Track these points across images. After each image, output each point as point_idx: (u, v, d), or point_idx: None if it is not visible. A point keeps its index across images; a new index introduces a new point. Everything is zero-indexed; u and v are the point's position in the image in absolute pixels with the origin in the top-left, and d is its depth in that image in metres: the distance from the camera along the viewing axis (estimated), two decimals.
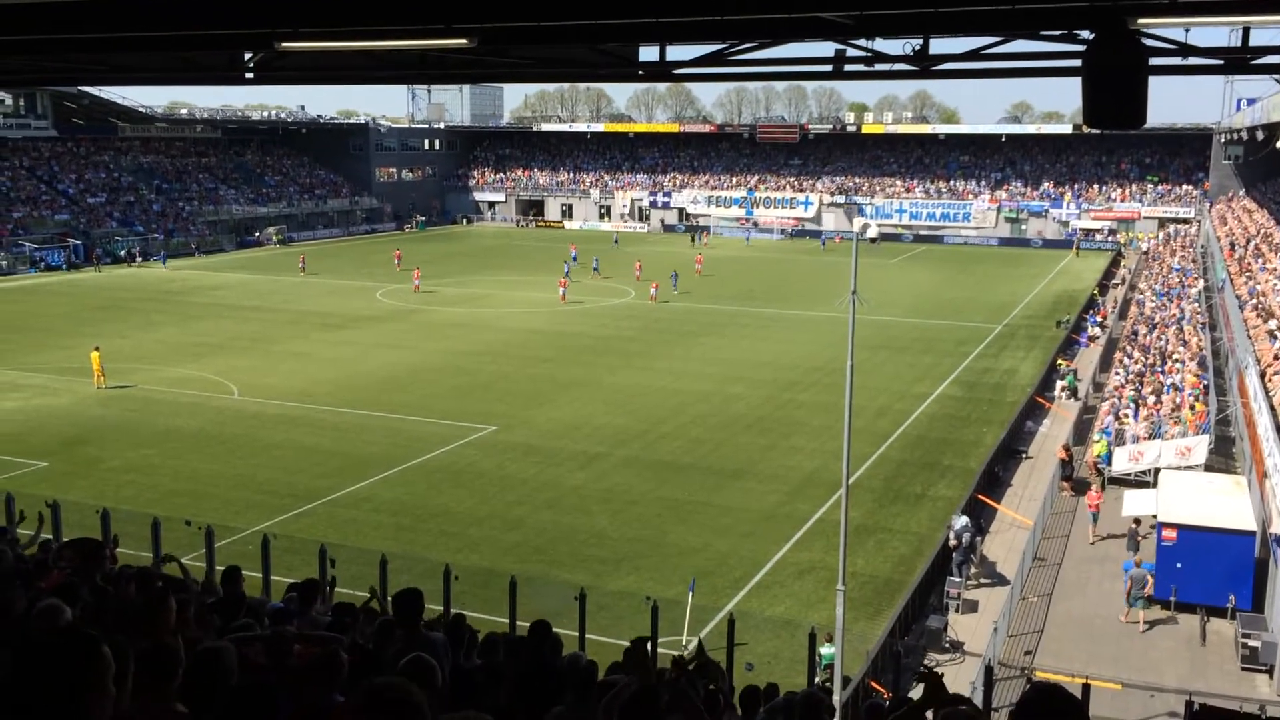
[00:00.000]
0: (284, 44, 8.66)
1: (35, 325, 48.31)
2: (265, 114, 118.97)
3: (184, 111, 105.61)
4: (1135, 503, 23.48)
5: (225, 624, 8.33)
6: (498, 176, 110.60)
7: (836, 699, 15.04)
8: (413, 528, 23.79)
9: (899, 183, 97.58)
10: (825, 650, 17.57)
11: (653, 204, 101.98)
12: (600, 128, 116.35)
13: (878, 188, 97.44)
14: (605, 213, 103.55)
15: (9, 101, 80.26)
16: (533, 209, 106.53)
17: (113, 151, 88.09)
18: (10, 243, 69.99)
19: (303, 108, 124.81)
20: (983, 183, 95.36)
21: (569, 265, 64.94)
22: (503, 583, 17.58)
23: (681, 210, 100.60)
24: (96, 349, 36.73)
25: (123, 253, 72.26)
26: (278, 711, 3.73)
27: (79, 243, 72.60)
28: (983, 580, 22.06)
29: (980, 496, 26.07)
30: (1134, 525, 22.79)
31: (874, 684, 16.92)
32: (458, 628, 11.93)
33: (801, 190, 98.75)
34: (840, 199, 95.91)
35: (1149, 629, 19.77)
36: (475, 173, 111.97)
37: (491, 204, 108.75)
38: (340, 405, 34.12)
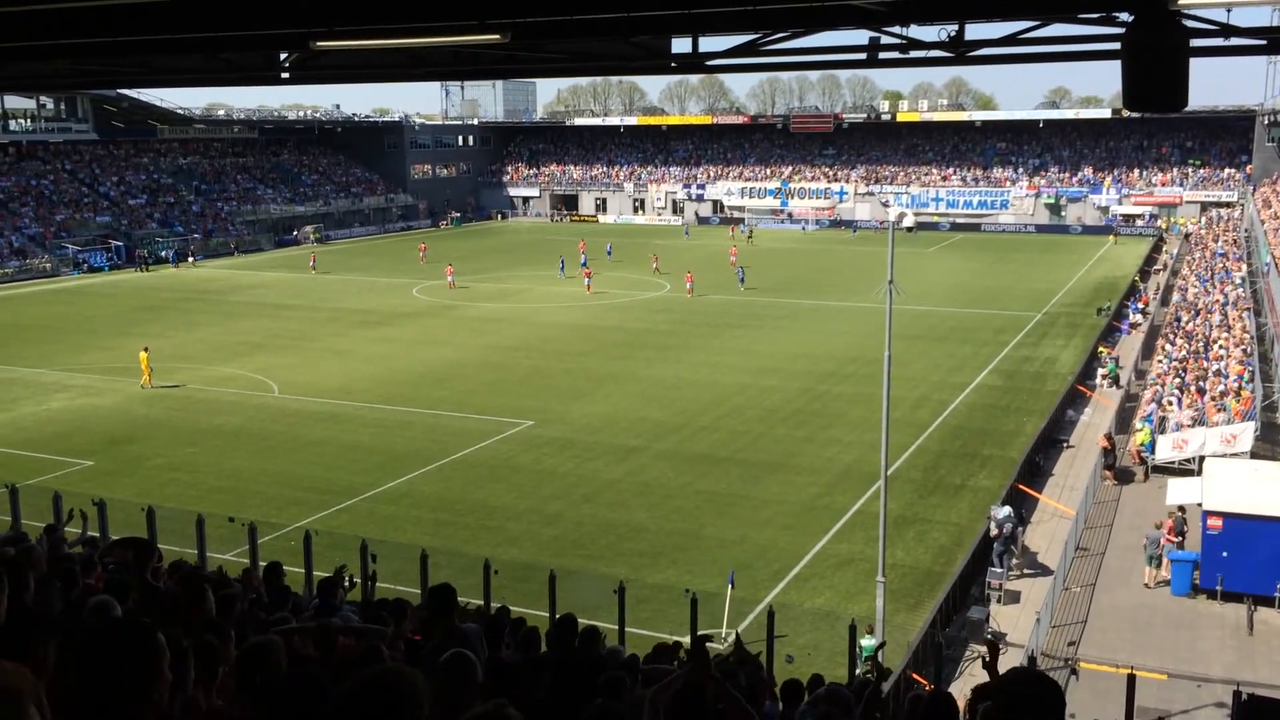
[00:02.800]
0: (319, 43, 8.73)
1: (79, 326, 49.07)
2: (301, 114, 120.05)
3: (221, 113, 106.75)
4: (1180, 491, 23.17)
5: (269, 618, 8.44)
6: (531, 172, 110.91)
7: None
8: (452, 522, 23.94)
9: (935, 171, 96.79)
10: (866, 642, 17.49)
11: (687, 197, 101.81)
12: (633, 121, 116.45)
13: (913, 176, 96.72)
14: (639, 206, 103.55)
15: (50, 105, 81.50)
16: (566, 203, 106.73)
17: (152, 153, 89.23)
18: (54, 245, 71.11)
19: (338, 106, 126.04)
20: (1020, 169, 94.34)
21: (579, 259, 64.98)
22: (542, 576, 17.66)
23: (716, 203, 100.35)
24: (145, 349, 37.20)
25: (164, 254, 73.14)
26: (326, 702, 3.77)
27: (120, 244, 73.64)
28: (1025, 571, 21.88)
29: (1021, 486, 25.84)
30: (1178, 512, 22.48)
31: (915, 676, 16.83)
32: (498, 621, 12.02)
33: (836, 180, 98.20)
34: (875, 188, 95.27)
35: (1193, 618, 19.53)
36: (509, 168, 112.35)
37: (526, 199, 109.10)
38: (379, 402, 34.39)
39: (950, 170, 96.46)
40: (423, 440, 30.15)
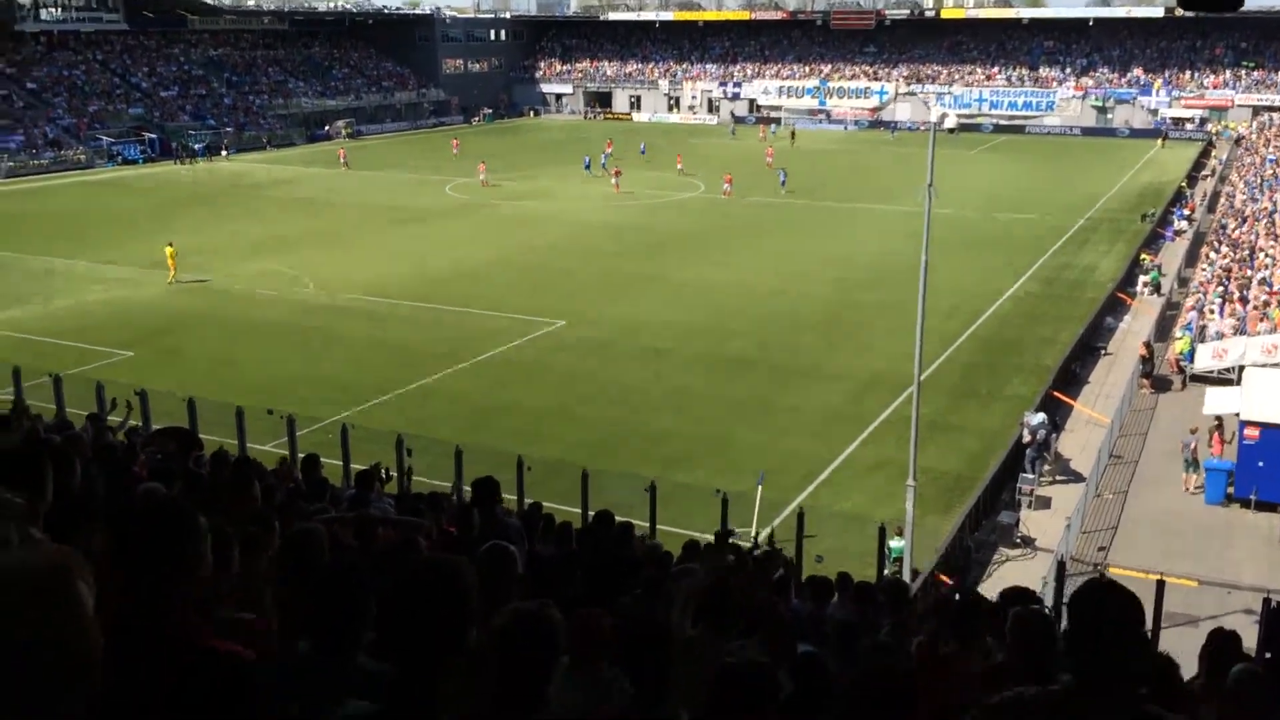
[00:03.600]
0: None
1: (115, 219, 49.29)
2: (332, 4, 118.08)
3: (251, 3, 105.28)
4: (1218, 401, 22.94)
5: (308, 508, 8.56)
6: (565, 68, 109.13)
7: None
8: (484, 421, 24.14)
9: (979, 70, 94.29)
10: (894, 544, 17.64)
11: (723, 95, 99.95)
12: (669, 16, 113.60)
13: (957, 76, 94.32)
14: (674, 104, 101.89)
15: None
16: (600, 101, 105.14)
17: (183, 44, 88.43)
18: (88, 137, 71.10)
19: None
20: (1068, 69, 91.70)
21: (599, 158, 64.00)
22: (574, 475, 17.84)
23: (752, 102, 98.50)
24: (170, 245, 37.32)
25: (197, 147, 72.93)
26: (368, 591, 3.81)
27: (155, 136, 73.47)
28: (1057, 477, 21.88)
29: (1056, 394, 25.69)
30: (1216, 422, 22.30)
31: (942, 577, 16.98)
32: (534, 515, 12.18)
33: (877, 80, 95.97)
34: (917, 88, 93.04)
35: (1227, 527, 19.51)
36: (542, 64, 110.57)
37: (559, 96, 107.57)
38: (412, 299, 34.48)
39: (995, 70, 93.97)
40: (455, 338, 30.27)
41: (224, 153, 73.64)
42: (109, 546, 3.17)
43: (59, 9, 79.71)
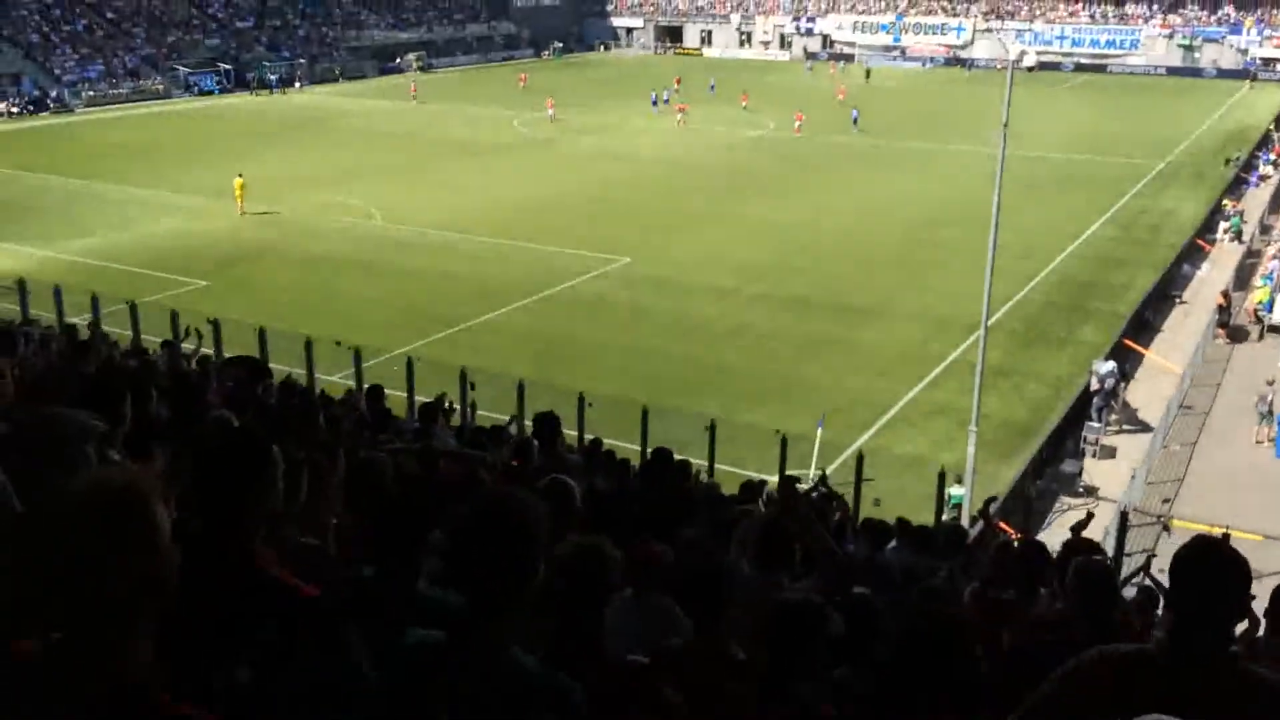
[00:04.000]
0: None
1: (191, 149, 50.05)
2: None
3: None
4: None
5: (373, 438, 8.78)
6: (636, 2, 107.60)
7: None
8: (547, 355, 24.34)
9: (1062, 6, 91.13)
10: (954, 490, 17.55)
11: (796, 30, 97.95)
12: None
13: (1038, 12, 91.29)
14: (746, 40, 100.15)
15: None
16: (671, 36, 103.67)
17: None
18: (166, 67, 72.02)
19: None
20: (1155, 6, 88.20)
21: (663, 95, 63.39)
22: (635, 412, 17.95)
23: (825, 37, 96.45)
24: (240, 176, 37.79)
25: (271, 78, 73.47)
26: (430, 519, 3.95)
27: (229, 68, 74.19)
28: (1124, 427, 21.54)
29: (1128, 342, 25.17)
30: None
31: (1003, 525, 16.88)
32: (594, 451, 12.34)
33: (954, 15, 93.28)
34: (995, 25, 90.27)
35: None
36: None
37: (629, 30, 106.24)
38: (479, 233, 34.70)
39: (1078, 5, 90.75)
40: (521, 273, 30.45)
41: (297, 84, 74.19)
42: (184, 470, 3.32)
43: None
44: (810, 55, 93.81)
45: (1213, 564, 3.05)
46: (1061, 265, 31.70)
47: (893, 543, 10.43)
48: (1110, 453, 20.42)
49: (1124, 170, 45.11)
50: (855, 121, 55.10)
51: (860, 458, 16.86)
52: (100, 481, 1.97)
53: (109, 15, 75.34)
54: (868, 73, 78.93)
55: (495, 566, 2.82)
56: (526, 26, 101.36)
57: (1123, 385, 22.17)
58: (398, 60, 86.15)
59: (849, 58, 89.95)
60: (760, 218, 36.96)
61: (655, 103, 62.06)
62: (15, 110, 61.58)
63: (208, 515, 3.19)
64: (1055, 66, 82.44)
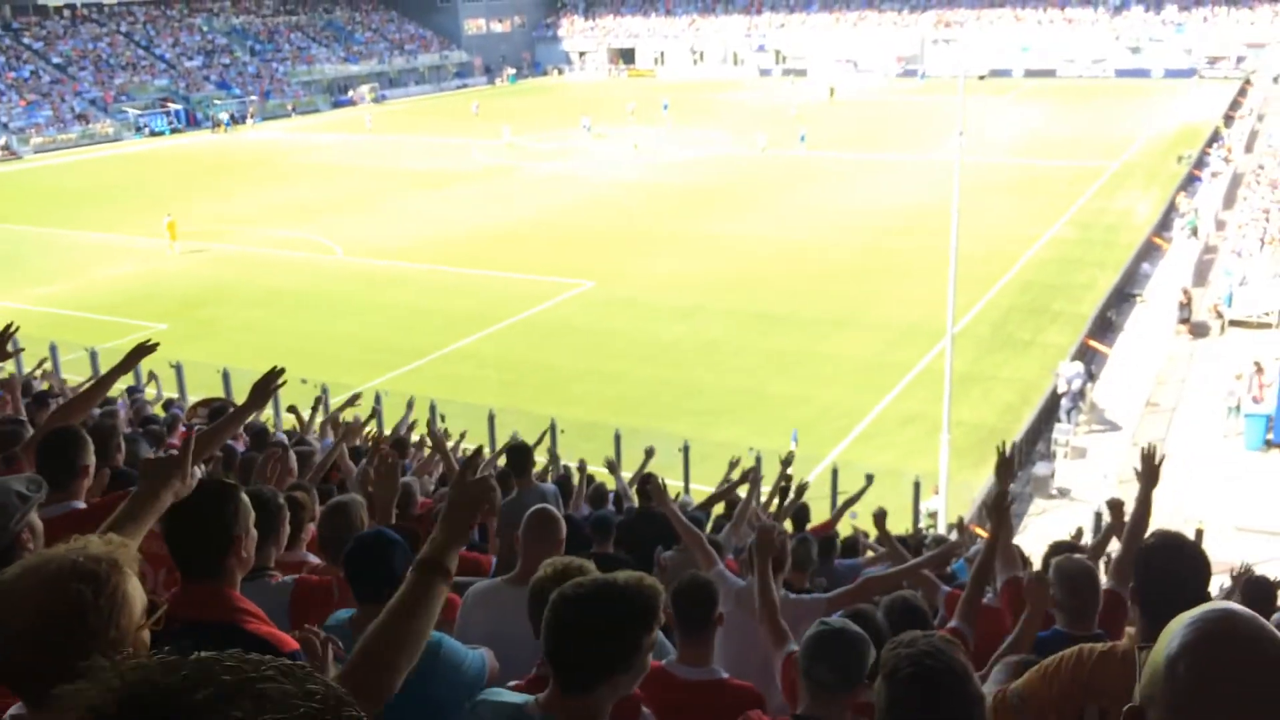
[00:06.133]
0: None
1: (144, 191, 49.51)
2: None
3: None
4: (1256, 345, 22.61)
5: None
6: (588, 24, 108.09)
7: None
8: (516, 382, 24.21)
9: (1009, 12, 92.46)
10: (928, 504, 17.55)
11: (749, 47, 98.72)
12: None
13: (987, 20, 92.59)
14: (699, 58, 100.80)
15: None
16: (624, 57, 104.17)
17: (205, 13, 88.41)
18: (115, 109, 71.38)
19: None
20: (1100, 8, 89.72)
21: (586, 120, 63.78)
22: (607, 435, 17.85)
23: (778, 53, 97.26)
24: (169, 215, 37.47)
25: (221, 116, 73.05)
26: (404, 558, 3.85)
27: (180, 108, 73.65)
28: (1093, 427, 21.69)
29: (1091, 342, 25.42)
30: (1255, 368, 22.00)
31: (975, 528, 16.91)
32: (567, 480, 12.23)
33: (905, 26, 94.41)
34: (945, 34, 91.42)
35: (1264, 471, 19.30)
36: (564, 21, 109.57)
37: (582, 53, 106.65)
38: (441, 263, 34.53)
39: (1025, 11, 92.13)
40: (485, 301, 30.31)
41: (249, 121, 73.76)
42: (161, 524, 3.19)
43: None
44: (763, 71, 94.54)
45: (1174, 558, 3.17)
46: (1023, 269, 31.99)
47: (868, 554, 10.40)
48: (1081, 453, 20.55)
49: (1079, 172, 45.70)
50: (803, 139, 55.26)
51: (835, 472, 16.85)
52: (54, 559, 1.84)
53: (54, 60, 74.62)
54: (831, 91, 78.28)
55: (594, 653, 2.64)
56: (478, 53, 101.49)
57: (1089, 385, 22.35)
58: (350, 93, 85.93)
59: (801, 72, 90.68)
60: (721, 235, 37.05)
61: (588, 128, 62.25)
62: None
63: (183, 569, 3.08)
64: (1005, 73, 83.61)
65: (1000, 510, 5.15)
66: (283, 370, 4.58)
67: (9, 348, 6.19)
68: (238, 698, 1.12)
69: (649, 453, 13.00)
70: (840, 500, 16.34)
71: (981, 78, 26.37)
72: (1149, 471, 5.37)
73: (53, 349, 20.87)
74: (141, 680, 1.14)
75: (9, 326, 6.30)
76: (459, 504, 2.74)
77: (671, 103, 70.90)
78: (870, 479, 12.97)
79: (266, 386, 4.40)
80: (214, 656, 1.18)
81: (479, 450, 3.10)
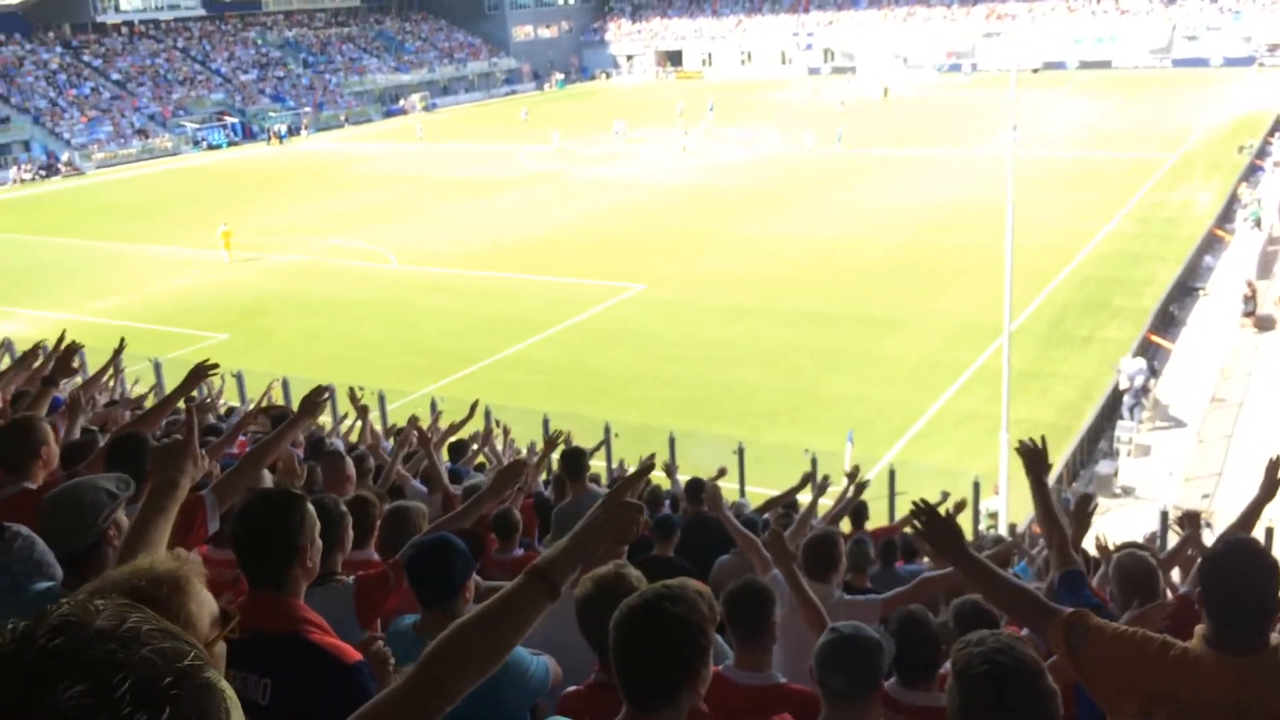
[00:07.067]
0: None
1: (203, 203, 50.41)
2: None
3: None
4: None
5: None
6: (635, 28, 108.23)
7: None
8: (570, 386, 24.29)
9: (1062, 3, 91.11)
10: (989, 504, 17.34)
11: (796, 45, 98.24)
12: None
13: (1038, 13, 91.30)
14: (747, 58, 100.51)
15: None
16: (671, 59, 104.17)
17: (259, 27, 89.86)
18: (173, 124, 72.80)
19: None
20: None
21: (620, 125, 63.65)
22: (661, 438, 17.84)
23: (826, 51, 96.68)
24: (224, 225, 38.21)
25: (276, 128, 74.23)
26: (465, 565, 3.90)
27: (237, 121, 74.92)
28: (1157, 424, 21.28)
29: (1153, 337, 24.94)
30: None
31: (1038, 529, 16.66)
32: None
33: (955, 21, 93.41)
34: (997, 26, 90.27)
35: None
36: (611, 25, 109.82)
37: (629, 57, 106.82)
38: (493, 269, 34.76)
39: (1078, 3, 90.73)
40: (537, 306, 30.46)
41: (304, 132, 74.86)
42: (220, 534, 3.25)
43: None
44: (812, 70, 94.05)
45: (1245, 562, 3.12)
46: (1080, 264, 31.49)
47: (925, 560, 10.28)
48: (1145, 451, 20.17)
49: (1136, 165, 44.88)
50: (840, 138, 54.73)
51: (892, 472, 16.70)
52: (116, 583, 1.87)
53: (114, 76, 76.28)
54: (885, 90, 76.46)
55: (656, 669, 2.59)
56: (527, 60, 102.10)
57: (1152, 381, 21.93)
58: (401, 102, 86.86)
59: (850, 69, 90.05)
60: (772, 235, 36.91)
61: (620, 133, 62.23)
62: (27, 177, 62.29)
63: (250, 579, 3.14)
64: (1059, 65, 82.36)
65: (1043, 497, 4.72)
66: (329, 388, 4.85)
67: (74, 362, 6.41)
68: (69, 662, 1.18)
69: (722, 471, 13.01)
70: (889, 505, 16.21)
71: (1035, 71, 25.95)
72: (1270, 483, 5.24)
73: (117, 359, 21.28)
74: None
75: (75, 344, 6.51)
76: (601, 525, 2.49)
77: (720, 103, 70.77)
78: (814, 476, 12.77)
79: (314, 402, 4.57)
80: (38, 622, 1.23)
81: (642, 471, 3.05)
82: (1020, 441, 4.55)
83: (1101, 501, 18.43)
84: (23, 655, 1.19)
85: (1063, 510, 5.26)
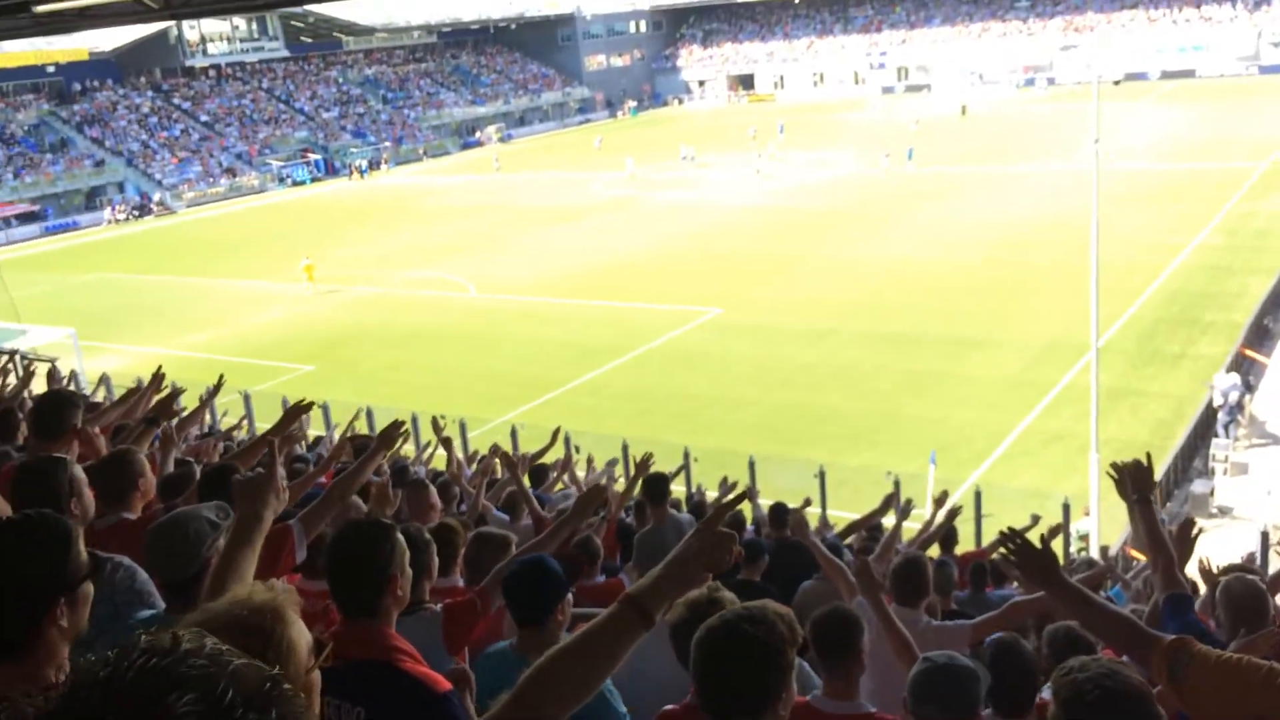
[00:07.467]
0: None
1: (289, 238, 51.73)
2: (477, 13, 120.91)
3: (401, 20, 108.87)
4: None
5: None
6: (706, 53, 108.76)
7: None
8: (649, 411, 24.32)
9: (1142, 13, 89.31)
10: (1080, 525, 16.93)
11: (869, 66, 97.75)
12: None
13: (1118, 23, 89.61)
14: (820, 79, 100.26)
15: (242, 26, 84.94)
16: (743, 83, 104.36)
17: (340, 66, 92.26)
18: (259, 162, 74.95)
19: (510, 2, 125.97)
20: (1239, 4, 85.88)
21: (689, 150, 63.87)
22: (741, 462, 17.76)
23: (900, 69, 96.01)
24: (307, 259, 39.34)
25: (359, 163, 75.98)
26: (558, 587, 3.95)
27: (319, 158, 76.88)
28: (1253, 441, 20.57)
29: (1247, 351, 24.15)
30: None
31: (1133, 552, 16.21)
32: (702, 507, 12.21)
33: (1032, 34, 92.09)
34: (1075, 39, 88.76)
35: None
36: (683, 51, 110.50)
37: (701, 82, 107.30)
38: (570, 296, 35.05)
39: (1159, 12, 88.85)
40: (615, 332, 30.60)
41: (384, 167, 76.50)
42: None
43: (225, 42, 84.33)
44: (885, 89, 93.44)
45: None
46: (1169, 279, 30.68)
47: (1015, 585, 10.04)
48: (1242, 469, 19.50)
49: (1223, 176, 43.67)
50: (910, 156, 54.21)
51: (978, 494, 16.39)
52: (218, 616, 1.93)
53: (202, 118, 78.85)
54: (964, 109, 75.47)
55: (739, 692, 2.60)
56: (600, 88, 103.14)
57: (1248, 397, 21.24)
58: (477, 134, 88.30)
59: (925, 87, 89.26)
60: (848, 257, 36.63)
61: (688, 158, 62.54)
62: (121, 217, 64.59)
63: (343, 609, 3.19)
64: (1141, 76, 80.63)
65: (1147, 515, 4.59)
66: (403, 423, 5.15)
67: (175, 406, 6.66)
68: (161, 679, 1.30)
69: (807, 502, 12.91)
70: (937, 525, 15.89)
71: (1116, 83, 25.41)
72: None
73: (210, 393, 21.88)
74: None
75: (176, 388, 6.78)
76: (695, 554, 2.44)
77: (793, 125, 70.72)
78: (897, 499, 12.47)
79: (390, 436, 4.83)
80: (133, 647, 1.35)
81: (735, 500, 3.05)
82: (1113, 463, 4.44)
83: (1197, 521, 17.85)
84: (127, 674, 1.30)
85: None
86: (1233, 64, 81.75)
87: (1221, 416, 20.36)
